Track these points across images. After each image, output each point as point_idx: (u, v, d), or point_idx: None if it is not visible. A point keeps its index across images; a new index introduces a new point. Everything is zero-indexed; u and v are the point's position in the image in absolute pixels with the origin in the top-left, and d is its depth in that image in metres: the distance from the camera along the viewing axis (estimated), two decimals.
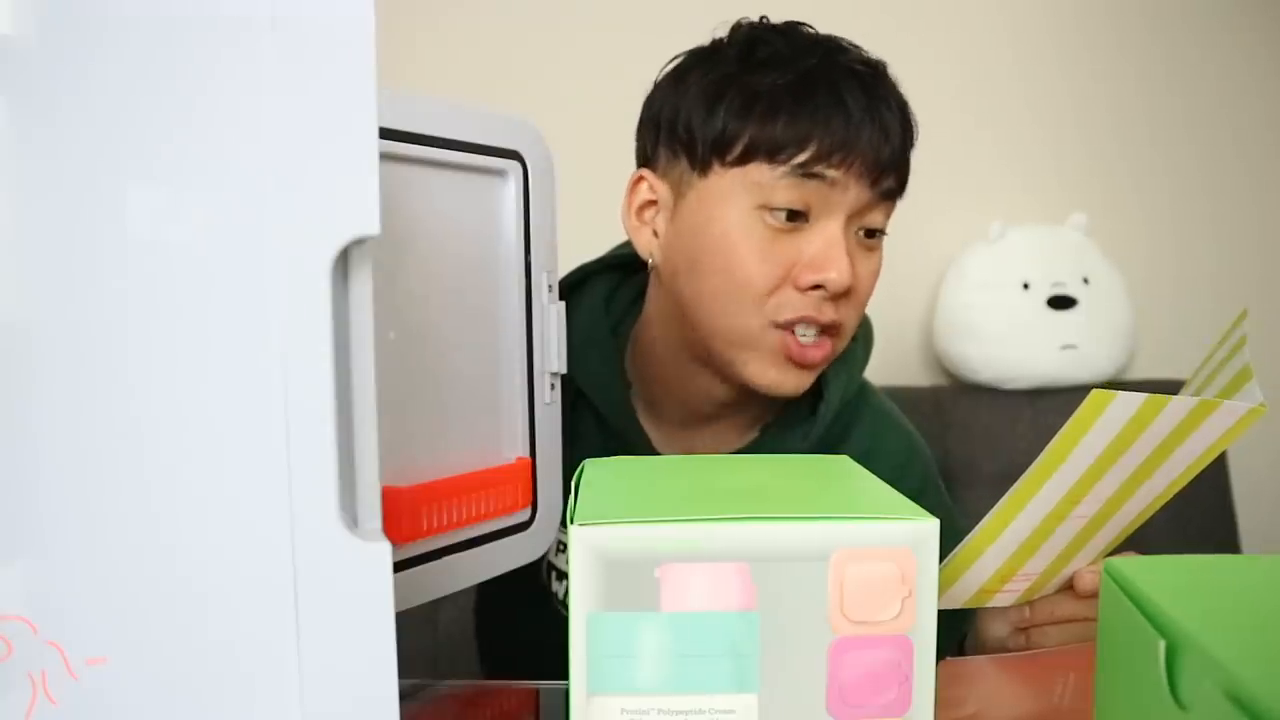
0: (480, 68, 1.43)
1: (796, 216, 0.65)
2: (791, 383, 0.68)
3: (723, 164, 0.66)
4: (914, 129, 0.69)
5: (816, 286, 0.65)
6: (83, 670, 0.30)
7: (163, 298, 0.30)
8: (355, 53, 0.29)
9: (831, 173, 0.64)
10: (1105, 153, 1.52)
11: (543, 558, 0.72)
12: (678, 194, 0.69)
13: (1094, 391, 0.47)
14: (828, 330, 0.67)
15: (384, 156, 0.33)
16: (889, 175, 0.66)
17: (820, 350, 0.67)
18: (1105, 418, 0.48)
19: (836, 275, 0.64)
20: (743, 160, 0.65)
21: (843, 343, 0.70)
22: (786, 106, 0.64)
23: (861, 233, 0.67)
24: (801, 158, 0.63)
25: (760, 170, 0.64)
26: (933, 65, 1.46)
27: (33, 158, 0.29)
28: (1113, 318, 1.39)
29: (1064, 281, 1.38)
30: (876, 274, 0.69)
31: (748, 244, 0.65)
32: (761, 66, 0.65)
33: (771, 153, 0.64)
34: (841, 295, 0.66)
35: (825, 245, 0.64)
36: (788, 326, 0.66)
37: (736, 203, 0.65)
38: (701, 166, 0.67)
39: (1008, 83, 1.50)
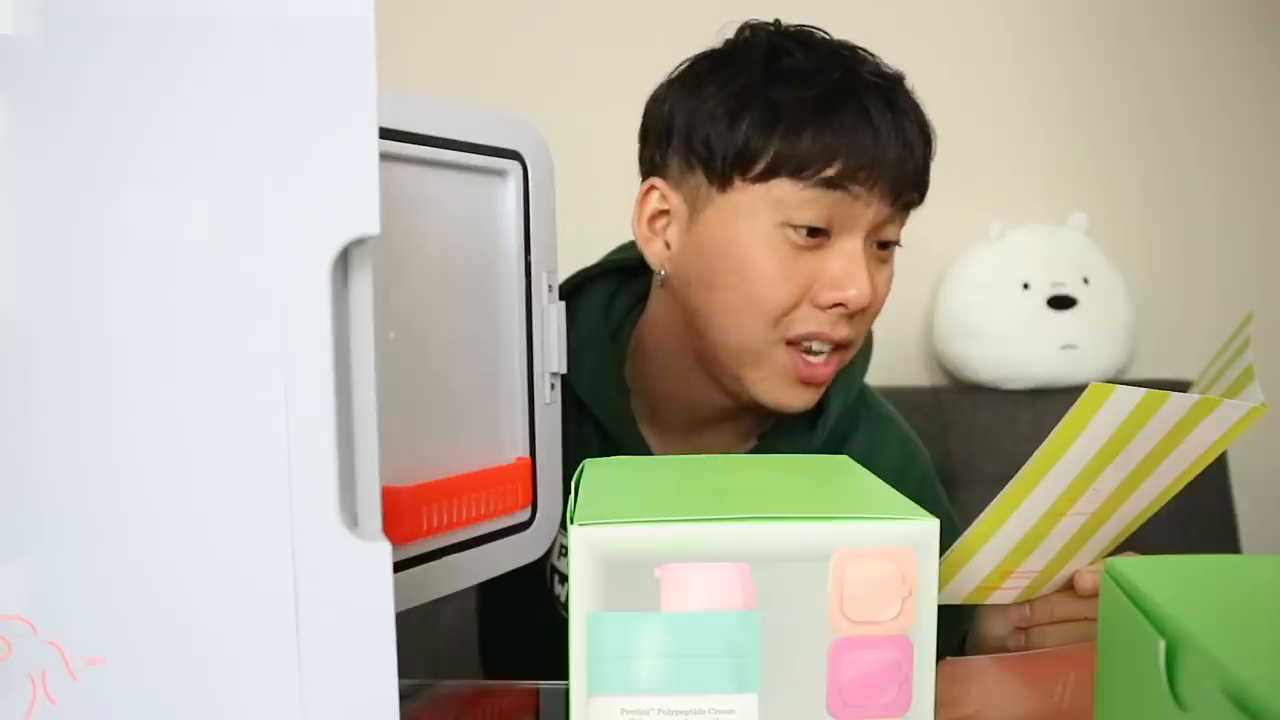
0: (480, 68, 1.43)
1: (818, 233, 0.65)
2: (801, 401, 0.69)
3: (744, 179, 0.65)
4: (933, 140, 0.69)
5: (836, 304, 0.65)
6: (83, 670, 0.30)
7: (162, 297, 0.30)
8: (355, 53, 0.29)
9: (856, 188, 0.64)
10: (1106, 153, 1.52)
11: (545, 560, 0.73)
12: (693, 207, 0.68)
13: (1092, 385, 0.47)
14: (838, 347, 0.67)
15: (384, 156, 0.33)
16: (911, 189, 0.66)
17: (829, 368, 0.68)
18: (1104, 412, 0.48)
19: (857, 293, 0.64)
20: (766, 176, 0.64)
21: (850, 356, 0.70)
22: (812, 122, 0.63)
23: (876, 245, 0.67)
24: (829, 173, 0.63)
25: (784, 186, 0.64)
26: (933, 65, 1.45)
27: (33, 158, 0.29)
28: (1113, 318, 1.39)
29: (1064, 281, 1.38)
30: (889, 285, 0.70)
31: (769, 262, 0.65)
32: (783, 79, 0.64)
33: (797, 170, 0.63)
34: (858, 311, 0.66)
35: (846, 262, 0.65)
36: (798, 342, 0.66)
37: (759, 219, 0.65)
38: (721, 181, 0.66)
39: (1008, 82, 1.50)
